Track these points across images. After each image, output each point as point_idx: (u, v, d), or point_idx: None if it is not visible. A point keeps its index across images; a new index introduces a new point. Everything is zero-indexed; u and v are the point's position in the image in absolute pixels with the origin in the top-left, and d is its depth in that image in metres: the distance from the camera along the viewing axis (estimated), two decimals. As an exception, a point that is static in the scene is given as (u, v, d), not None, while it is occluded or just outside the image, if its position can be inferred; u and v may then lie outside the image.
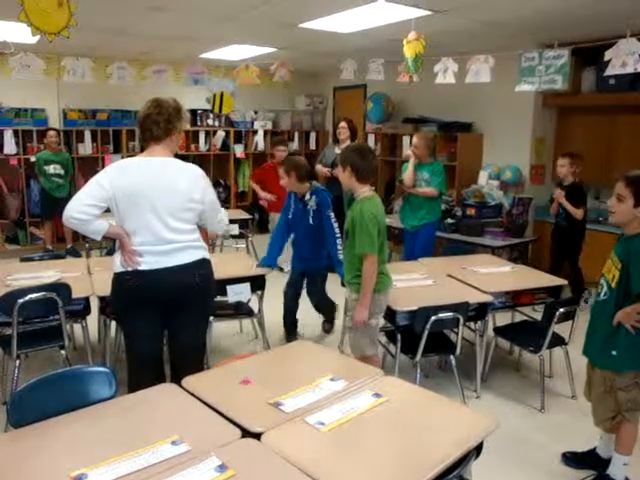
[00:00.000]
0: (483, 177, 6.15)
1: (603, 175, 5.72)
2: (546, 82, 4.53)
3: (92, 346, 3.60)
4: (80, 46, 5.85)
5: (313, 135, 9.03)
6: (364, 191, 2.94)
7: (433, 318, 3.07)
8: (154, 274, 2.45)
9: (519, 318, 4.03)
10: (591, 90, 5.63)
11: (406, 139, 7.15)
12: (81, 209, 2.33)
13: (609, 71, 4.07)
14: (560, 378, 3.68)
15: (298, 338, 4.36)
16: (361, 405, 1.94)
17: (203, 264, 2.59)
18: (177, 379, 2.63)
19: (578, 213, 4.75)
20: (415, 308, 3.07)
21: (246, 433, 1.75)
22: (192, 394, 1.99)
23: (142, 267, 2.45)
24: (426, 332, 3.09)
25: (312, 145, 9.04)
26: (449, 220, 5.83)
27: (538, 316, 4.14)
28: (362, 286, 2.90)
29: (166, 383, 2.09)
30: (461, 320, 3.17)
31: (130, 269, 2.45)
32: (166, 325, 2.63)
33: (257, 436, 1.73)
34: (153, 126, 2.48)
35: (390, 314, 3.20)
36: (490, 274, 3.78)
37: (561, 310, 3.22)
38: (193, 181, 2.52)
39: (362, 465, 1.61)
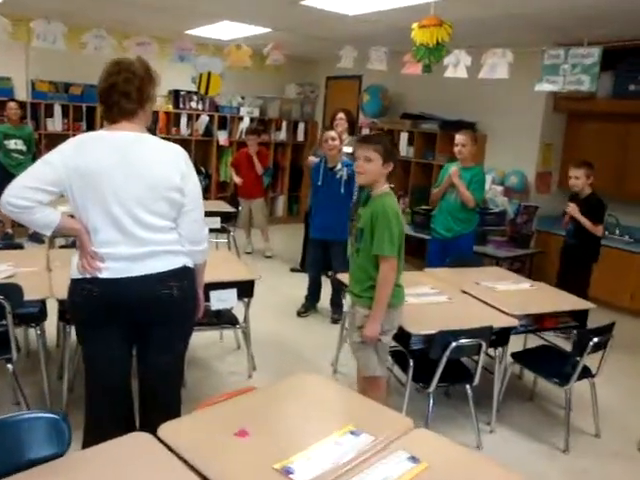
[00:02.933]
0: (486, 181, 5.74)
1: (615, 188, 5.40)
2: (571, 83, 4.15)
3: (49, 352, 3.08)
4: (54, 11, 5.23)
5: (302, 126, 8.52)
6: (386, 187, 2.54)
7: (454, 344, 2.64)
8: (119, 284, 1.94)
9: (532, 341, 3.63)
10: (607, 95, 5.27)
11: (404, 135, 6.74)
12: (21, 193, 1.80)
13: (646, 74, 3.69)
14: (580, 412, 3.28)
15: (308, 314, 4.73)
16: (396, 474, 1.48)
17: (183, 273, 2.06)
18: (148, 415, 2.16)
19: (599, 230, 4.22)
20: (434, 332, 2.64)
21: (247, 518, 1.29)
22: (172, 450, 1.51)
23: (104, 275, 1.93)
24: (444, 359, 2.66)
25: (300, 136, 8.54)
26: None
27: (551, 338, 3.77)
28: (376, 294, 2.47)
29: (137, 432, 1.59)
30: (484, 347, 2.75)
31: (89, 276, 1.93)
32: (135, 347, 2.13)
33: (262, 523, 1.27)
34: (122, 99, 1.93)
35: (402, 336, 2.76)
36: (509, 292, 3.37)
37: (595, 340, 2.83)
38: (173, 162, 1.99)
39: None
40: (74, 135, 6.46)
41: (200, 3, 4.97)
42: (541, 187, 5.82)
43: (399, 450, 1.60)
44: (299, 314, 4.71)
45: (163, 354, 2.10)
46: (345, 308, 3.30)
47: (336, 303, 4.66)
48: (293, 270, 6.01)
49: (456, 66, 4.86)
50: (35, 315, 2.81)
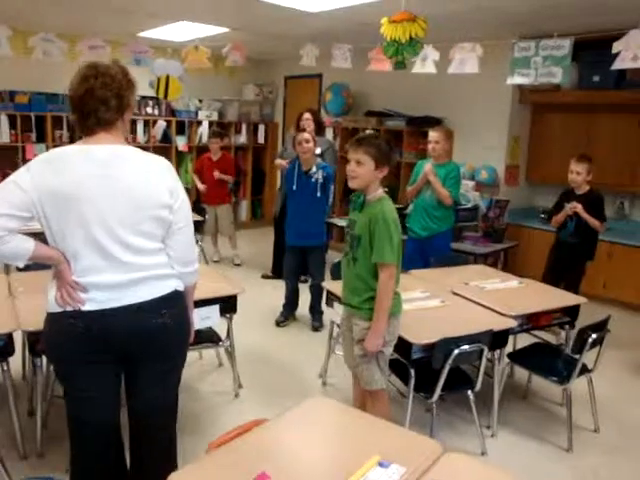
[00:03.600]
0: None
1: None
2: (543, 75, 4.11)
3: (15, 386, 2.80)
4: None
5: (262, 128, 8.30)
6: (381, 192, 2.43)
7: (456, 352, 2.54)
8: (105, 317, 1.73)
9: (520, 338, 3.58)
10: (572, 87, 5.30)
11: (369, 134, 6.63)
12: None
13: (617, 65, 3.69)
14: (575, 407, 3.24)
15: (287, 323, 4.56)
16: (439, 512, 1.35)
17: (174, 299, 1.87)
18: (141, 455, 1.97)
19: (602, 228, 4.09)
20: (435, 340, 2.53)
21: None
22: (187, 505, 1.33)
23: (87, 307, 1.72)
24: (447, 368, 2.55)
25: (260, 138, 8.31)
26: (423, 223, 5.35)
27: (538, 333, 3.72)
28: (377, 305, 2.34)
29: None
30: (485, 351, 2.66)
31: (69, 309, 1.72)
32: (125, 382, 1.92)
33: None
34: (100, 107, 1.72)
35: (401, 345, 2.63)
36: (500, 291, 3.30)
37: (594, 336, 2.78)
38: (159, 177, 1.79)
39: None
40: (24, 147, 6.03)
41: (153, 3, 4.72)
42: (510, 180, 5.84)
43: (434, 481, 1.47)
44: (278, 324, 4.53)
45: (156, 389, 1.91)
46: (336, 319, 3.17)
47: (316, 310, 4.51)
48: (265, 277, 5.83)
49: (424, 61, 4.79)
50: (0, 349, 2.54)
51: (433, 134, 4.30)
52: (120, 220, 1.70)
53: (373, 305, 2.36)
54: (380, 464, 1.53)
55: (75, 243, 1.69)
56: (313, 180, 4.18)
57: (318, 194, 4.18)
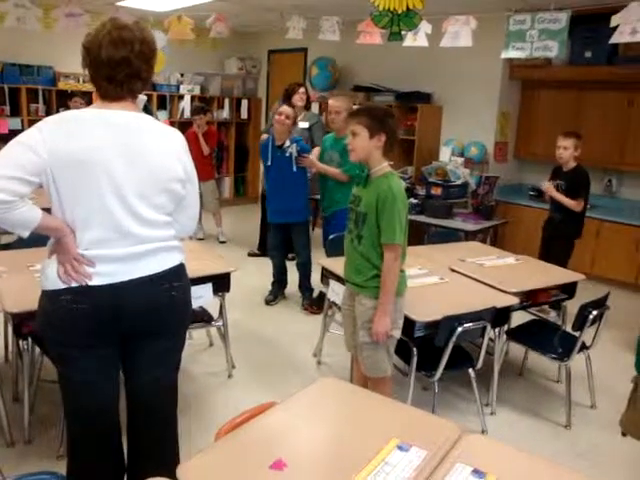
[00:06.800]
0: (446, 153, 5.64)
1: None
2: (539, 49, 4.05)
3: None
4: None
5: (245, 103, 8.10)
6: (386, 166, 2.31)
7: (460, 329, 2.48)
8: (115, 290, 1.63)
9: (516, 315, 3.56)
10: (563, 63, 5.24)
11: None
12: (1, 185, 1.44)
13: (616, 39, 3.64)
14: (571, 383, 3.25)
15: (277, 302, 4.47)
16: (466, 497, 1.29)
17: (181, 273, 1.81)
18: (139, 439, 1.88)
19: (577, 206, 3.96)
20: (439, 317, 2.47)
21: None
22: (200, 495, 1.25)
23: (95, 282, 1.61)
24: (451, 345, 2.50)
25: (244, 114, 8.12)
26: (412, 200, 5.29)
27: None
28: (383, 287, 2.26)
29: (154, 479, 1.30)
30: (488, 329, 2.61)
31: (75, 285, 1.60)
32: (124, 361, 1.82)
33: None
34: (134, 79, 1.63)
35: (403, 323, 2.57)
36: (498, 268, 3.26)
37: (594, 313, 2.76)
38: (174, 148, 1.72)
39: None
40: (-3, 120, 5.60)
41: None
42: (499, 157, 5.79)
43: (457, 463, 1.41)
44: (267, 302, 4.44)
45: (158, 368, 1.82)
46: (336, 299, 3.08)
47: (305, 288, 4.43)
48: (251, 255, 5.72)
49: (415, 34, 4.67)
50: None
51: (333, 103, 3.90)
52: (135, 190, 1.61)
53: (378, 283, 2.28)
54: (399, 447, 1.46)
55: (87, 212, 1.58)
56: (287, 154, 4.04)
57: (294, 168, 4.04)
